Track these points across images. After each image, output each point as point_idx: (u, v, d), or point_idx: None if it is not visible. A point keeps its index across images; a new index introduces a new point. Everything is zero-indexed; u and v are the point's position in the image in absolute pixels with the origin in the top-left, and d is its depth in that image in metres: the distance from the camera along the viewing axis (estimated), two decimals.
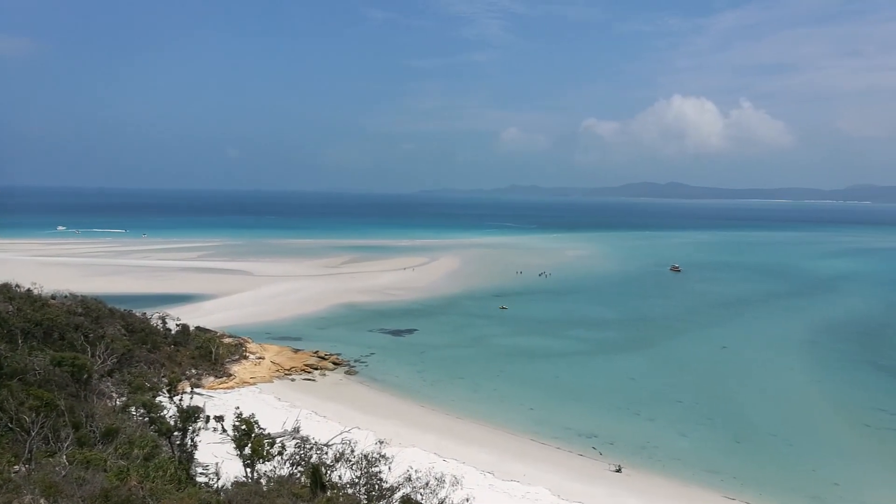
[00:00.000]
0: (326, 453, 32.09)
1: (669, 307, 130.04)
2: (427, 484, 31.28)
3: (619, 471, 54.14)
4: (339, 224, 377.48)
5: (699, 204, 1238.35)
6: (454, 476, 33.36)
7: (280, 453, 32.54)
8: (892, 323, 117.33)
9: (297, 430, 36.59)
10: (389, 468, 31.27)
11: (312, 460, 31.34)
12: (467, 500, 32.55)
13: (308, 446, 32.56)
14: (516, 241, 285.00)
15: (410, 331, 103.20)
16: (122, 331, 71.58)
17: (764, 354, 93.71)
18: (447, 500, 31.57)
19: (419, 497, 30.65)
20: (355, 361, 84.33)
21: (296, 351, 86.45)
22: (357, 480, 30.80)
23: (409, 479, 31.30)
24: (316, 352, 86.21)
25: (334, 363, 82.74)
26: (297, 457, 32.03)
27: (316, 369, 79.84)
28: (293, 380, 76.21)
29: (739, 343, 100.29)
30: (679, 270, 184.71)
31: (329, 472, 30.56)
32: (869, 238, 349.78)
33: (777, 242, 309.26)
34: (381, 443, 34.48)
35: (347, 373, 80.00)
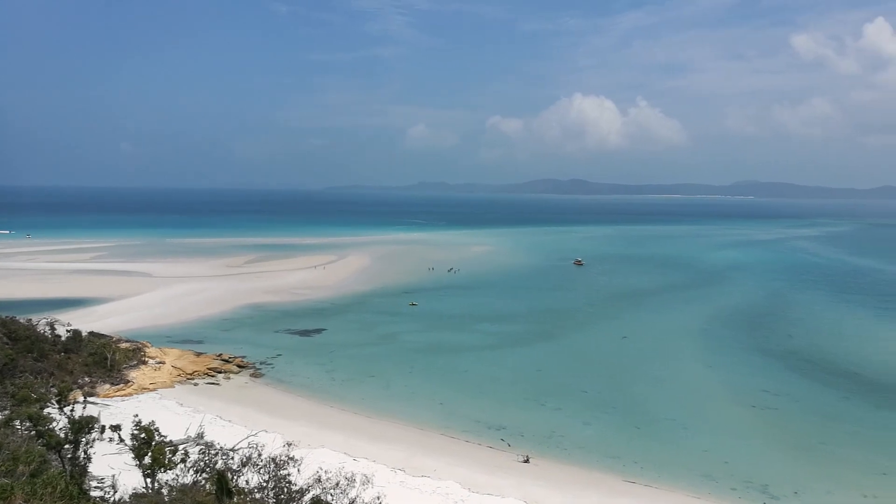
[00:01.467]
0: (232, 458, 31.23)
1: (573, 300, 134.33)
2: (337, 484, 31.02)
3: (526, 461, 55.51)
4: (245, 221, 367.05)
5: (600, 200, 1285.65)
6: (365, 475, 33.23)
7: (183, 461, 31.37)
8: (774, 310, 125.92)
9: (200, 435, 35.46)
10: (299, 470, 30.79)
11: (218, 466, 30.42)
12: (378, 499, 32.55)
13: (213, 452, 31.56)
14: (426, 237, 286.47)
15: (319, 330, 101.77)
16: (4, 339, 66.79)
17: (661, 343, 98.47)
18: (358, 499, 31.43)
19: (329, 498, 30.36)
20: (262, 363, 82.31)
21: (198, 354, 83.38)
22: (265, 484, 30.16)
23: (318, 480, 30.94)
24: (220, 355, 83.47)
25: (239, 366, 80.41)
26: (202, 463, 30.97)
27: (220, 373, 77.35)
28: (196, 384, 73.53)
29: (639, 333, 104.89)
30: (582, 264, 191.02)
31: (235, 477, 29.75)
32: (753, 231, 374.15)
33: (672, 236, 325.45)
34: (290, 445, 33.90)
35: (253, 375, 77.96)
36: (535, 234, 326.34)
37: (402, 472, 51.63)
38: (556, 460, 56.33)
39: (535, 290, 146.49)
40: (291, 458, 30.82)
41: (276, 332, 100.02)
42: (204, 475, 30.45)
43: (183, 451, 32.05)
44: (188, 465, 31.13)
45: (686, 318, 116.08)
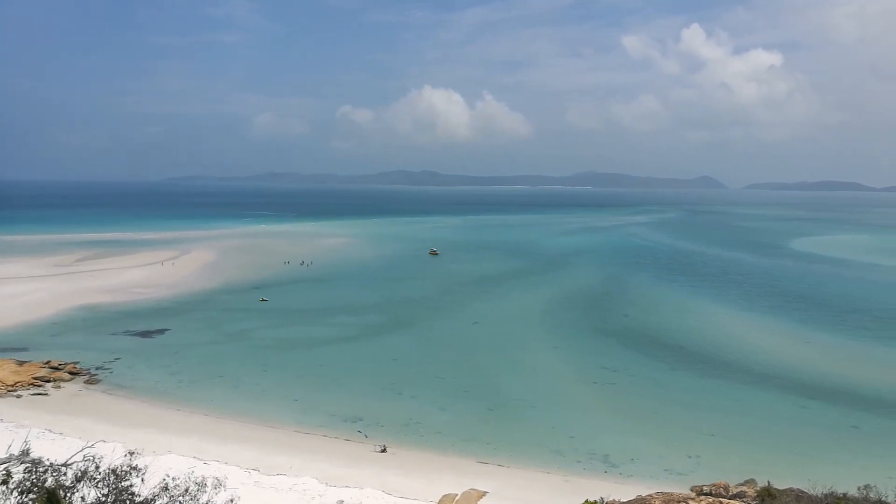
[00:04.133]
0: (65, 474, 28.60)
1: (428, 288, 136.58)
2: (187, 490, 29.36)
3: (384, 451, 55.93)
4: (74, 216, 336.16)
5: (451, 190, 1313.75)
6: (217, 478, 31.67)
7: (5, 482, 28.40)
8: (611, 292, 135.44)
9: (26, 452, 32.11)
10: (143, 480, 28.79)
11: (48, 484, 27.84)
12: (232, 501, 31.30)
13: (41, 469, 28.72)
14: (276, 230, 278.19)
15: (162, 331, 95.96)
16: None
17: (510, 327, 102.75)
18: (210, 503, 30.12)
19: None
20: (97, 369, 76.29)
21: (21, 363, 75.56)
22: (104, 499, 27.97)
23: (165, 488, 29.12)
24: (48, 362, 76.20)
25: (71, 373, 73.94)
26: (28, 483, 28.16)
27: (48, 381, 70.71)
28: (19, 396, 66.75)
29: (490, 318, 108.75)
30: (437, 254, 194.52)
31: (69, 494, 27.36)
32: (592, 219, 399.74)
33: (519, 225, 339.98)
34: (132, 454, 31.58)
35: (88, 382, 72.04)
36: (390, 224, 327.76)
37: (257, 472, 50.17)
38: (413, 447, 57.21)
39: (391, 280, 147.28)
40: (134, 468, 28.76)
41: (114, 334, 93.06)
42: (31, 496, 27.76)
43: (4, 471, 29.04)
44: (11, 486, 28.19)
45: (532, 302, 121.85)
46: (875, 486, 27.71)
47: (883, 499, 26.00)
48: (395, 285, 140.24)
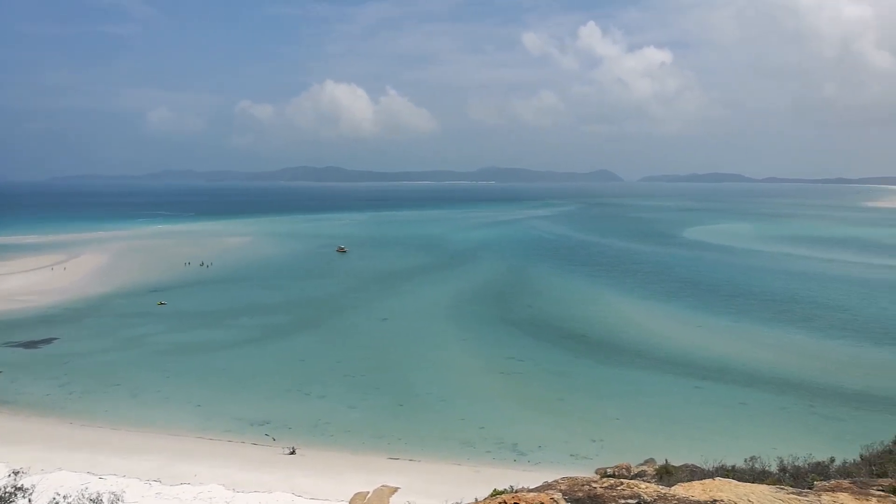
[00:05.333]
0: None
1: (335, 286, 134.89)
2: None
3: (293, 453, 54.90)
4: None
5: (357, 186, 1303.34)
6: (113, 493, 30.17)
7: None
8: (516, 283, 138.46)
9: None
10: (30, 500, 27.05)
11: None
12: None
13: None
14: (173, 230, 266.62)
15: (49, 340, 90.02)
16: None
17: (419, 322, 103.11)
18: None
19: None
20: None
21: None
22: None
23: None
24: None
25: None
26: None
27: None
28: None
29: (398, 314, 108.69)
30: (345, 251, 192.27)
31: None
32: (496, 213, 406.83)
33: (426, 220, 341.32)
34: (17, 473, 29.58)
35: None
36: (294, 222, 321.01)
37: (158, 483, 48.03)
38: (322, 448, 56.47)
39: (297, 279, 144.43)
40: (20, 489, 26.91)
41: None
42: None
43: None
44: None
45: (441, 297, 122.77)
46: (759, 457, 29.74)
47: (766, 468, 27.93)
48: (301, 284, 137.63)
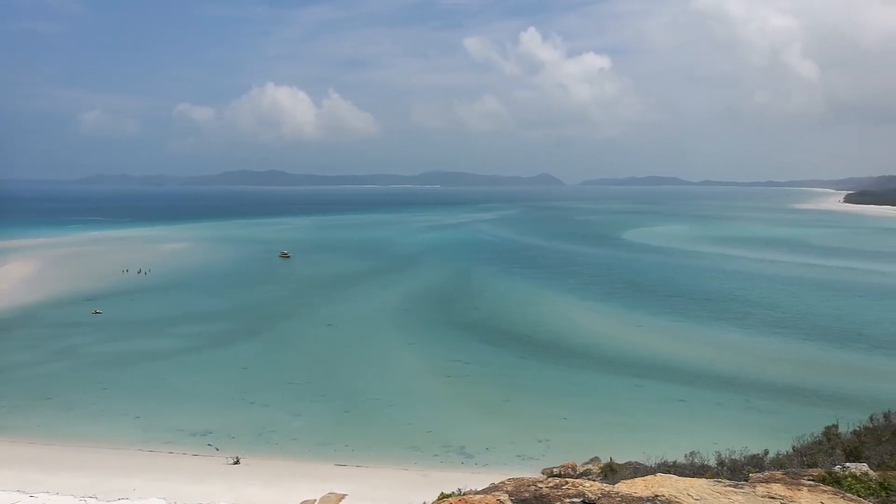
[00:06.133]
0: None
1: (279, 292, 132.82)
2: None
3: (237, 462, 53.80)
4: None
5: (299, 191, 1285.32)
6: None
7: None
8: (462, 287, 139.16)
9: None
10: None
11: None
12: None
13: None
14: (109, 236, 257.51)
15: None
16: None
17: (365, 327, 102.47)
18: None
19: None
20: None
21: None
22: None
23: None
24: None
25: None
26: None
27: None
28: None
29: (344, 319, 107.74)
30: (289, 256, 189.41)
31: None
32: (440, 216, 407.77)
33: (371, 224, 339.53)
34: None
35: None
36: (236, 227, 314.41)
37: (94, 500, 46.35)
38: (267, 456, 55.52)
39: (239, 286, 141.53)
40: None
41: None
42: None
43: None
44: None
45: (387, 301, 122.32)
46: (699, 452, 30.72)
47: (706, 463, 28.86)
48: (243, 291, 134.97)
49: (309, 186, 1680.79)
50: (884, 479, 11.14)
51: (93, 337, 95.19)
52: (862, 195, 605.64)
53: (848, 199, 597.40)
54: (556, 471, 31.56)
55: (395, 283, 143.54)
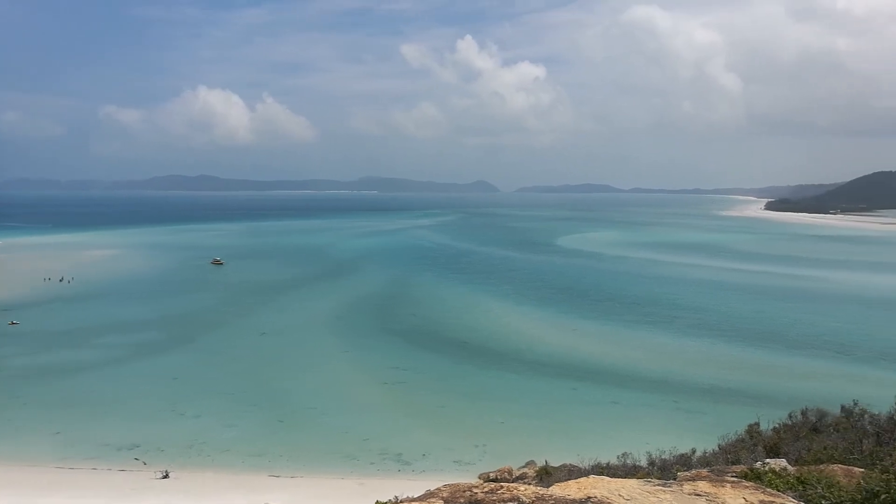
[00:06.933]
0: None
1: (211, 300, 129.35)
2: None
3: (166, 476, 52.01)
4: None
5: (232, 196, 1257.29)
6: None
7: None
8: (399, 293, 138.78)
9: None
10: None
11: None
12: None
13: None
14: (28, 242, 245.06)
15: None
16: None
17: (300, 335, 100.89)
18: None
19: None
20: None
21: None
22: None
23: None
24: None
25: None
26: None
27: None
28: None
29: (278, 327, 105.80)
30: (222, 263, 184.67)
31: None
32: (378, 222, 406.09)
33: (306, 230, 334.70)
34: None
35: None
36: (166, 233, 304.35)
37: None
38: (198, 469, 53.91)
39: (169, 294, 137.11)
40: None
41: None
42: None
43: None
44: None
45: (322, 308, 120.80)
46: (631, 453, 31.56)
47: (637, 463, 29.63)
48: (173, 299, 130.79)
49: (242, 192, 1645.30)
50: (800, 474, 11.70)
51: (10, 349, 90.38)
52: (781, 203, 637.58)
53: (768, 207, 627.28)
54: (492, 475, 31.82)
55: (331, 290, 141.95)
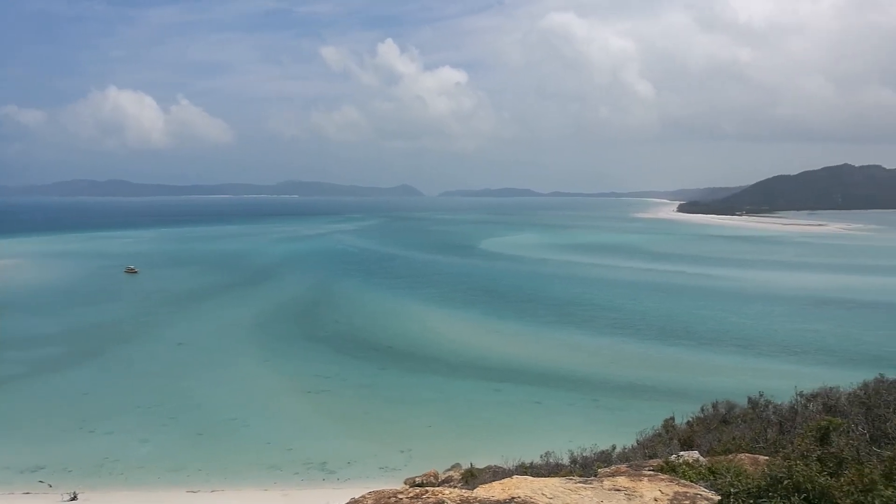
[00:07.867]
0: None
1: (124, 311, 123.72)
2: None
3: (74, 498, 49.37)
4: None
5: (145, 201, 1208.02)
6: None
7: None
8: (321, 299, 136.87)
9: None
10: None
11: None
12: None
13: None
14: None
15: None
16: None
17: (219, 345, 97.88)
18: None
19: None
20: None
21: None
22: None
23: None
24: None
25: None
26: None
27: None
28: None
29: (196, 337, 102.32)
30: (136, 272, 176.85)
31: None
32: (299, 227, 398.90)
33: (224, 236, 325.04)
34: None
35: None
36: (73, 241, 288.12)
37: None
38: (110, 488, 51.47)
39: (77, 305, 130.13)
40: None
41: None
42: None
43: None
44: None
45: (242, 317, 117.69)
46: (553, 452, 32.23)
47: (560, 461, 30.27)
48: (82, 310, 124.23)
49: (156, 197, 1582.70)
50: (712, 464, 12.24)
51: None
52: (692, 205, 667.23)
53: (680, 209, 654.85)
54: (417, 480, 31.82)
55: (250, 297, 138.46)
